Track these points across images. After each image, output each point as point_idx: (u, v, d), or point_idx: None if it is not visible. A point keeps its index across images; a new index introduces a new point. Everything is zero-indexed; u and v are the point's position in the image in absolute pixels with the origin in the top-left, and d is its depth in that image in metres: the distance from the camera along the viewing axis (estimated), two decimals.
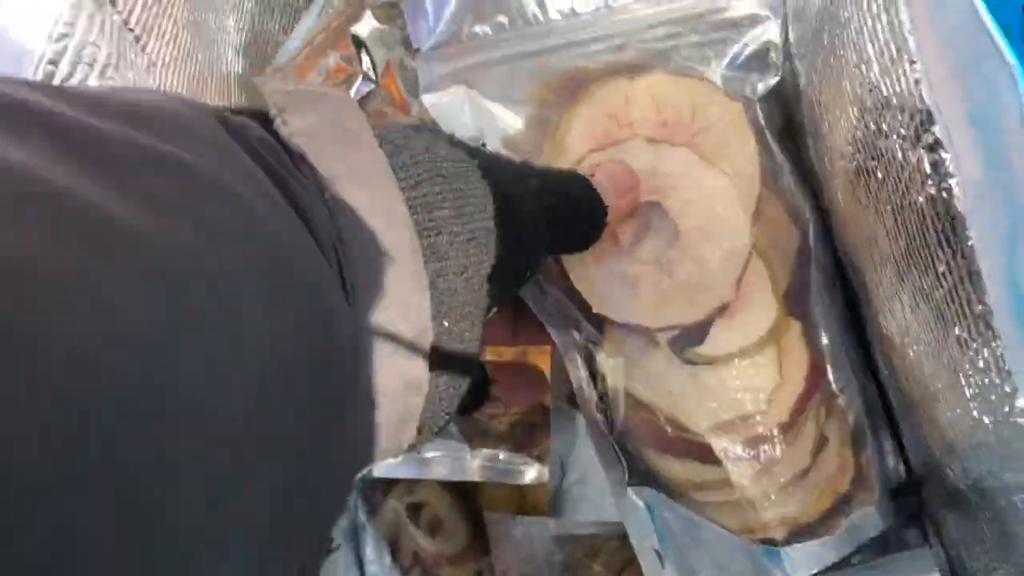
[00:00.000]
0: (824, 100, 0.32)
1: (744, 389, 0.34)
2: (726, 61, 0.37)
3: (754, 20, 0.37)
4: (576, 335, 0.35)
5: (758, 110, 0.35)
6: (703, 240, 0.34)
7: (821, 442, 0.36)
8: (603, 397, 0.35)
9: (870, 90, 0.28)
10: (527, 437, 0.42)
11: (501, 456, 0.42)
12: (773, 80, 0.36)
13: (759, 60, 0.36)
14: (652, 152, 0.35)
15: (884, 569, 0.36)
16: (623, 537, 0.39)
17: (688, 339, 0.35)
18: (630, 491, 0.33)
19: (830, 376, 0.36)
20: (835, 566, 0.35)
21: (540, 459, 0.41)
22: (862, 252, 0.33)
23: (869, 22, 0.27)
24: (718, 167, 0.35)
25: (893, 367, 0.33)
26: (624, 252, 0.35)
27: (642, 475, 0.34)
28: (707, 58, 0.37)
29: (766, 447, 0.35)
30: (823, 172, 0.34)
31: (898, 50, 0.25)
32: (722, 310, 0.34)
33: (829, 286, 0.36)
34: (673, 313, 0.34)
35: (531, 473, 0.42)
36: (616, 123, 0.35)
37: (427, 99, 0.35)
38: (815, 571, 0.34)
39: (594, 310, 0.34)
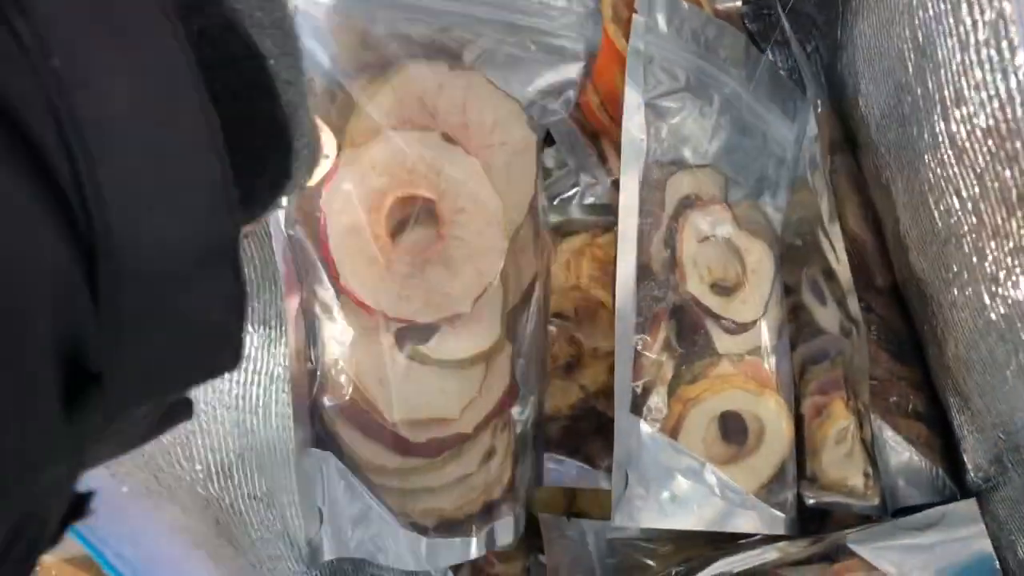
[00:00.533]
0: None
1: (446, 395, 0.37)
2: (534, 84, 0.39)
3: (572, 56, 0.39)
4: (304, 294, 0.36)
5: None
6: (461, 252, 0.36)
7: (490, 452, 0.39)
8: (315, 361, 0.36)
9: None
10: (577, 441, 0.43)
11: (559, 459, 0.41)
12: (561, 115, 0.39)
13: (557, 94, 0.39)
14: (445, 152, 0.35)
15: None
16: (677, 540, 0.44)
17: (414, 336, 0.36)
18: (314, 451, 0.36)
19: (518, 400, 0.39)
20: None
21: (590, 461, 0.43)
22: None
23: None
24: (495, 187, 0.36)
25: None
26: (385, 237, 0.36)
27: (330, 444, 0.36)
28: (518, 72, 0.39)
29: (446, 451, 0.37)
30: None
31: None
32: (454, 319, 0.36)
33: (541, 313, 0.40)
34: (411, 308, 0.35)
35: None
36: (422, 106, 0.35)
37: None
38: (446, 564, 0.38)
39: (340, 280, 0.35)
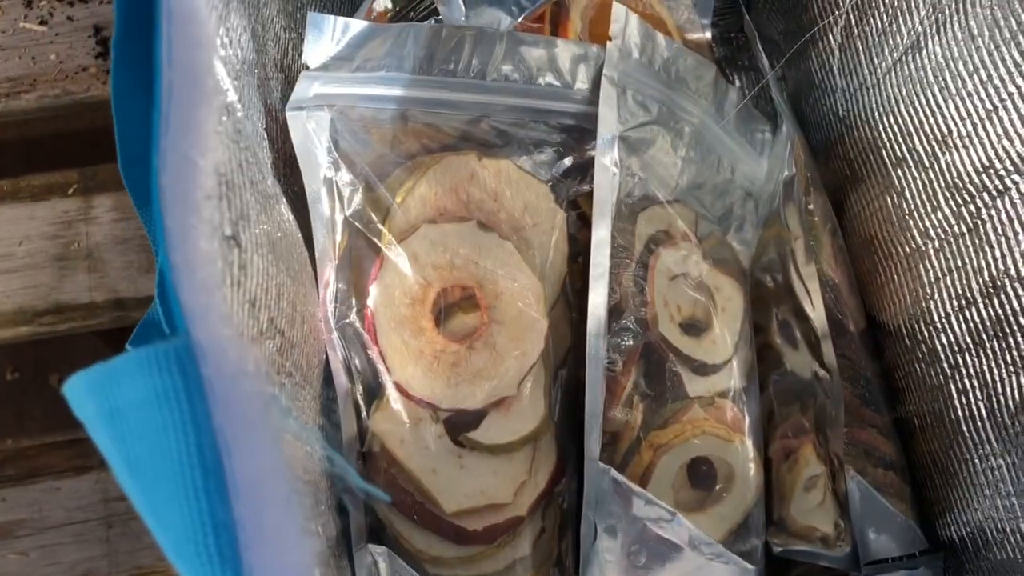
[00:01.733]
0: None
1: (499, 479, 0.39)
2: (559, 165, 0.42)
3: (591, 135, 0.43)
4: (352, 384, 0.39)
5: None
6: (504, 335, 0.39)
7: (542, 531, 0.41)
8: (366, 455, 0.38)
9: None
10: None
11: None
12: (585, 188, 0.42)
13: (581, 171, 0.42)
14: (482, 240, 0.39)
15: None
16: None
17: (464, 423, 0.39)
18: (369, 547, 0.37)
19: (564, 477, 0.42)
20: None
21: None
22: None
23: None
24: (531, 268, 0.40)
25: None
26: (431, 329, 0.38)
27: (384, 537, 0.38)
28: (544, 155, 0.41)
29: (502, 536, 0.39)
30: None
31: None
32: (500, 402, 0.39)
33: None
34: (460, 396, 0.38)
35: None
36: (456, 197, 0.39)
37: (289, 113, 0.31)
38: None
39: (392, 377, 0.38)
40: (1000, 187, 0.41)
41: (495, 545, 0.40)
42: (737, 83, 0.59)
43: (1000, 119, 0.40)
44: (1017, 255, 0.40)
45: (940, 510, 0.48)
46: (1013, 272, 0.40)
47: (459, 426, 0.40)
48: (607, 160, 0.44)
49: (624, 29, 0.46)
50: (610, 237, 0.43)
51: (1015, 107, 0.38)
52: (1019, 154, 0.39)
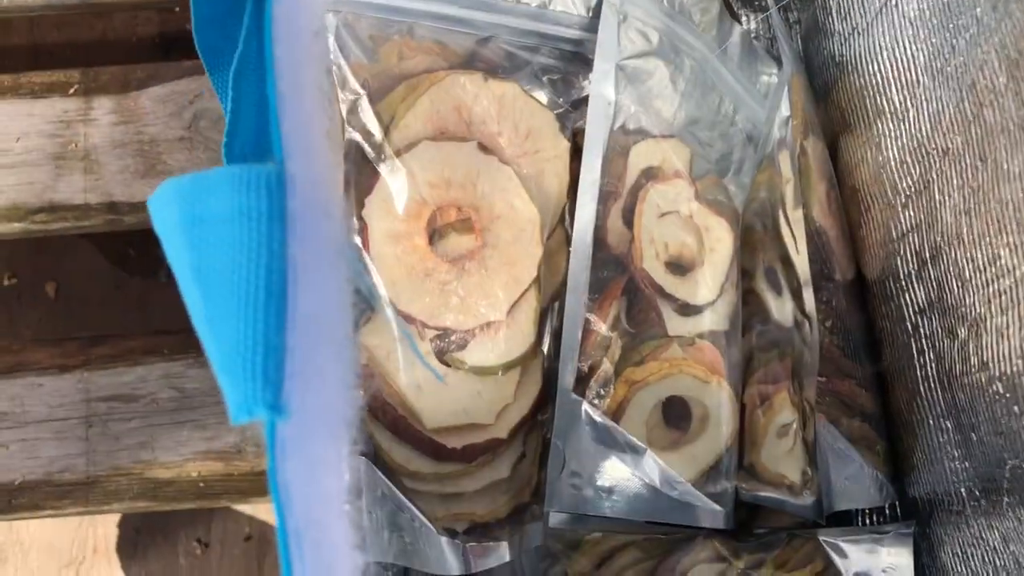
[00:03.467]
0: None
1: (482, 401, 0.38)
2: (568, 94, 0.41)
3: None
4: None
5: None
6: (497, 259, 0.38)
7: (522, 456, 0.41)
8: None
9: None
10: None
11: None
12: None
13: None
14: (481, 162, 0.38)
15: None
16: (605, 531, 0.44)
17: (451, 343, 0.38)
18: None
19: (549, 406, 0.41)
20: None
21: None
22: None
23: None
24: (529, 194, 0.39)
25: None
26: (424, 246, 0.38)
27: (366, 449, 0.38)
28: (551, 82, 0.41)
29: (481, 456, 0.39)
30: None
31: None
32: (489, 325, 0.38)
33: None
34: (448, 316, 0.38)
35: None
36: (458, 116, 0.38)
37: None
38: (481, 568, 0.39)
39: (380, 291, 0.37)
40: (945, 146, 0.41)
41: (474, 464, 0.40)
42: (753, 24, 0.58)
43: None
44: (959, 214, 0.40)
45: (907, 467, 0.47)
46: (944, 239, 0.40)
47: (446, 345, 0.39)
48: (602, 88, 0.43)
49: None
50: (599, 167, 0.42)
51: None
52: (965, 115, 0.39)
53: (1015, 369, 0.37)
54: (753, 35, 0.57)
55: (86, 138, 0.64)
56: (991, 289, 0.39)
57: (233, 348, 0.21)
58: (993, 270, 0.38)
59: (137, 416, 0.61)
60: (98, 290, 0.89)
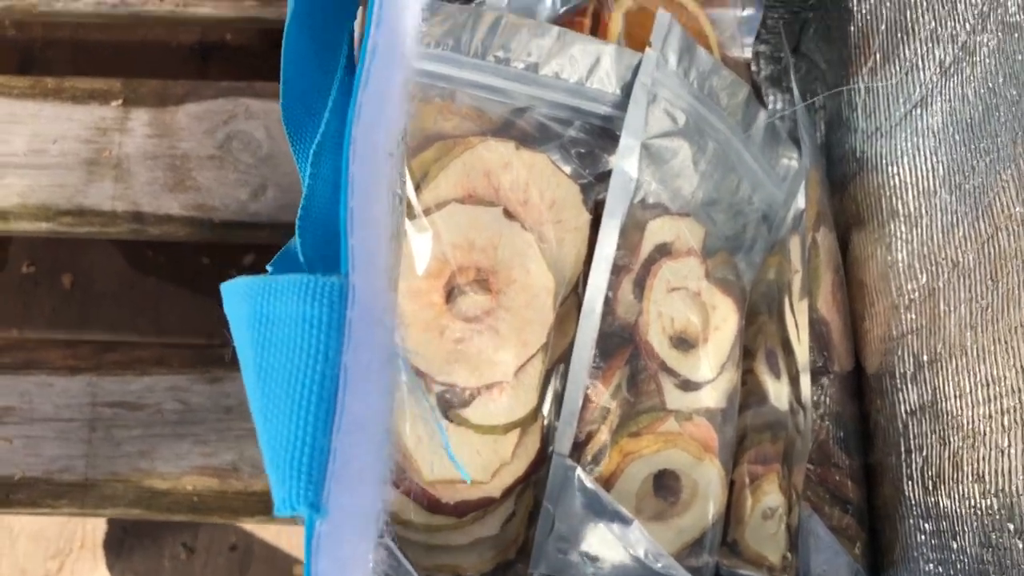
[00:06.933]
0: None
1: (479, 458, 0.38)
2: (594, 167, 0.41)
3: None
4: None
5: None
6: (510, 322, 0.38)
7: (512, 515, 0.40)
8: None
9: None
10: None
11: None
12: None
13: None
14: (505, 227, 0.39)
15: None
16: None
17: (456, 400, 0.38)
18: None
19: (543, 467, 0.41)
20: None
21: None
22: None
23: None
24: (547, 263, 0.39)
25: None
26: (441, 304, 0.38)
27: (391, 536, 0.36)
28: (579, 155, 0.41)
29: (472, 512, 0.39)
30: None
31: None
32: (495, 385, 0.38)
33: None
34: (456, 372, 0.38)
35: None
36: (488, 181, 0.39)
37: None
38: None
39: (396, 340, 0.35)
40: (955, 259, 0.41)
41: (465, 520, 0.40)
42: (779, 104, 0.58)
43: None
44: (964, 328, 0.40)
45: (886, 562, 0.47)
46: (945, 348, 0.41)
47: (450, 401, 0.39)
48: (626, 164, 0.43)
49: (665, 37, 0.44)
50: (616, 240, 0.42)
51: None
52: (979, 233, 0.39)
53: (1014, 488, 0.37)
54: (779, 115, 0.57)
55: (120, 147, 0.65)
56: (993, 406, 0.39)
57: (283, 445, 0.22)
58: (997, 388, 0.38)
59: (140, 425, 0.61)
60: (113, 286, 0.89)
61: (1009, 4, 0.38)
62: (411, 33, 0.31)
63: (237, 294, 0.24)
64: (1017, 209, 0.38)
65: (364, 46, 0.26)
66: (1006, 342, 0.38)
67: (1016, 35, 0.38)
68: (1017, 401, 0.37)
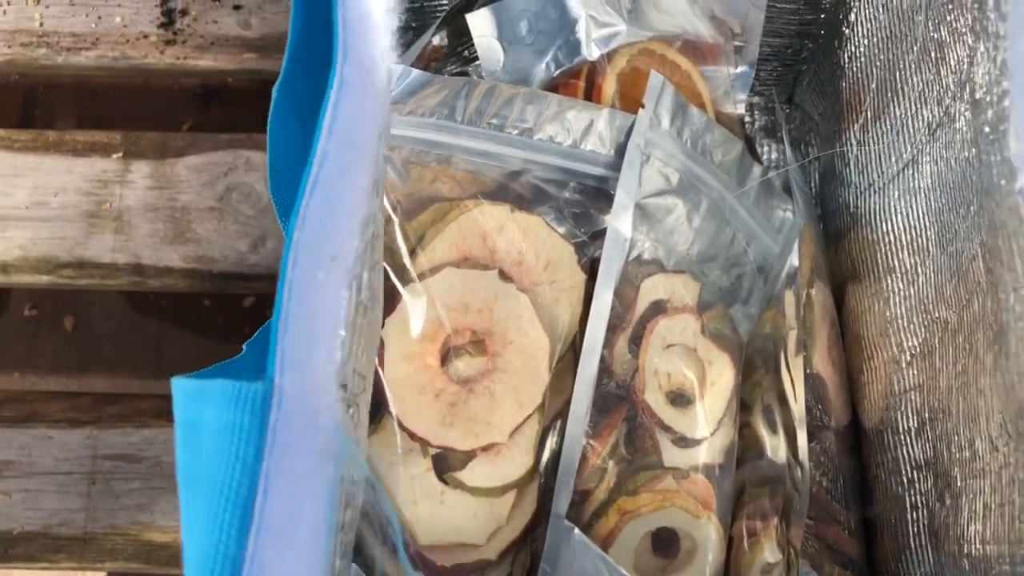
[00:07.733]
0: None
1: (476, 521, 0.38)
2: (587, 228, 0.42)
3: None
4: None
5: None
6: (505, 384, 0.38)
7: None
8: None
9: None
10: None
11: None
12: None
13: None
14: (500, 289, 0.39)
15: None
16: None
17: (451, 462, 0.38)
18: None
19: (540, 527, 0.41)
20: None
21: None
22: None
23: None
24: (543, 324, 0.39)
25: None
26: (436, 367, 0.38)
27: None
28: (573, 216, 0.41)
29: (468, 575, 0.38)
30: None
31: None
32: (490, 447, 0.38)
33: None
34: (452, 436, 0.38)
35: None
36: (483, 244, 0.39)
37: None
38: None
39: (391, 407, 0.37)
40: (946, 319, 0.41)
41: None
42: (773, 154, 0.58)
43: None
44: (951, 389, 0.40)
45: None
46: (941, 407, 0.40)
47: (446, 464, 0.39)
48: (619, 224, 0.43)
49: (658, 98, 0.45)
50: (611, 299, 0.43)
51: None
52: (959, 297, 0.39)
53: (989, 552, 0.36)
54: (773, 165, 0.58)
55: (121, 199, 0.65)
56: (974, 467, 0.38)
57: (199, 553, 0.22)
58: (975, 450, 0.38)
59: (139, 477, 0.61)
60: (114, 328, 0.89)
61: (977, 77, 0.37)
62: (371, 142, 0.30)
63: (177, 394, 0.23)
64: (983, 279, 0.37)
65: (313, 151, 0.25)
66: (975, 408, 0.38)
67: (980, 111, 0.37)
68: (985, 464, 0.36)
